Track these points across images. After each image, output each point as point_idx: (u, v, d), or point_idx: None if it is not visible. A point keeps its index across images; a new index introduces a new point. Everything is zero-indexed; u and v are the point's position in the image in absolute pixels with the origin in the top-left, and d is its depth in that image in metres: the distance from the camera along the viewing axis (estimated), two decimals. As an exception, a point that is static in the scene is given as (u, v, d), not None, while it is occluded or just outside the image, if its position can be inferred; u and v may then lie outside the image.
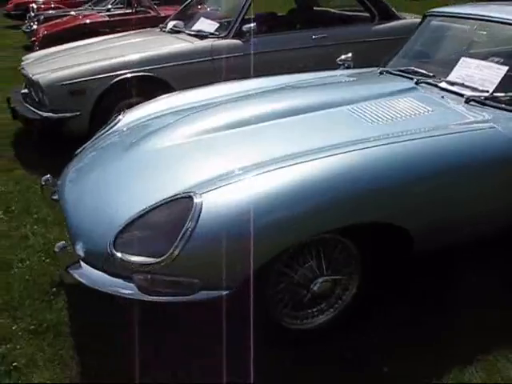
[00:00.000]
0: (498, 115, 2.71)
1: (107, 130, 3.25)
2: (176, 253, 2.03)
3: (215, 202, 2.11)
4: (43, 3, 13.82)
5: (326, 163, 2.26)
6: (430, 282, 2.84)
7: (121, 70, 4.71)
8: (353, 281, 2.47)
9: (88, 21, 9.07)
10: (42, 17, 11.34)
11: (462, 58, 3.12)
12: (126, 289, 2.15)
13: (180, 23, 5.67)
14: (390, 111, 2.78)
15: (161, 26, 5.92)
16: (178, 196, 2.16)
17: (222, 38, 5.17)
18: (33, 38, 9.52)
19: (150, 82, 4.75)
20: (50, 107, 4.62)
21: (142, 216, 2.17)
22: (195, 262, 2.06)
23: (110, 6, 10.80)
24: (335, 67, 3.83)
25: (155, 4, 9.65)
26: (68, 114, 4.59)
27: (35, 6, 13.35)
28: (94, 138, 3.25)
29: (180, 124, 2.92)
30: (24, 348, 2.49)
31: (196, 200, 2.09)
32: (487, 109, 2.80)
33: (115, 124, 3.27)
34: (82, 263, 2.28)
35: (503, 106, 2.79)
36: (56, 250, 2.32)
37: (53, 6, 13.71)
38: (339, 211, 2.19)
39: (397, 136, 2.48)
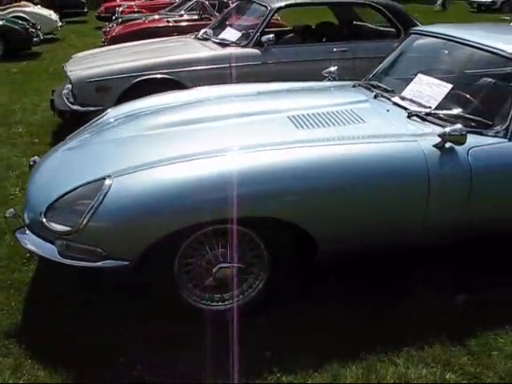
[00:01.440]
0: (429, 131, 2.80)
1: (95, 121, 3.66)
2: (84, 224, 2.38)
3: (123, 185, 2.44)
4: (128, 7, 14.93)
5: (230, 160, 2.51)
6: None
7: (143, 71, 5.17)
8: (260, 276, 2.67)
9: (151, 25, 9.74)
10: (120, 20, 12.28)
11: (418, 75, 3.23)
12: (50, 252, 2.52)
13: (210, 31, 6.06)
14: (328, 119, 2.96)
15: (196, 33, 6.34)
16: (96, 178, 2.50)
17: (242, 46, 5.50)
18: (103, 39, 10.36)
19: (169, 84, 5.15)
20: (79, 101, 5.16)
21: (67, 193, 2.53)
22: (99, 233, 2.40)
23: (182, 12, 11.54)
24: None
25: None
26: (93, 108, 5.06)
27: (120, 10, 14.50)
28: (84, 126, 3.67)
29: (140, 119, 3.28)
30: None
31: (106, 182, 2.44)
32: (425, 124, 2.90)
33: (103, 116, 3.67)
34: (26, 229, 2.68)
35: (440, 122, 2.88)
36: (6, 215, 2.74)
37: (136, 10, 14.78)
38: (236, 203, 2.42)
39: (317, 141, 2.68)
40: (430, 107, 2.98)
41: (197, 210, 2.40)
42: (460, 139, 2.63)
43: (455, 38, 3.33)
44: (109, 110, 3.74)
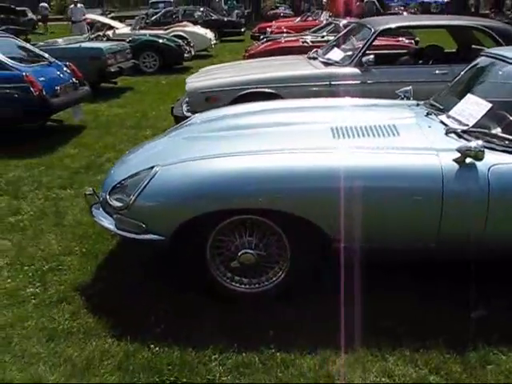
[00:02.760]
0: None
1: (186, 122, 4.24)
2: (132, 202, 2.91)
3: (167, 173, 2.94)
4: (277, 28, 15.89)
5: (255, 160, 2.89)
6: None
7: (248, 85, 5.71)
8: (283, 266, 2.99)
9: (286, 45, 10.36)
10: (265, 39, 13.16)
11: (468, 95, 3.29)
12: (111, 224, 3.10)
13: (320, 52, 6.43)
14: (366, 131, 3.18)
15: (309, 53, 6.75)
16: (150, 166, 3.03)
17: (343, 66, 5.78)
18: (243, 55, 11.26)
19: (272, 98, 5.61)
20: (191, 109, 5.85)
21: (129, 177, 3.09)
22: (142, 210, 2.92)
23: (324, 34, 12.04)
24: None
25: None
26: (202, 116, 5.74)
27: (269, 30, 15.50)
28: (176, 126, 4.27)
29: (213, 123, 3.77)
30: (73, 260, 3.63)
31: (154, 169, 2.94)
32: (460, 141, 2.98)
33: (190, 120, 4.25)
34: (99, 205, 3.31)
35: (475, 140, 2.95)
36: (86, 193, 3.39)
37: (285, 30, 15.64)
38: (256, 196, 2.79)
39: (342, 148, 2.94)
40: (468, 125, 3.05)
41: (222, 199, 2.81)
42: (478, 155, 2.70)
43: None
44: (196, 115, 4.31)
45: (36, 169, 5.64)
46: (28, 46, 7.27)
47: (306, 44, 10.59)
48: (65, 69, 7.06)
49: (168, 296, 3.15)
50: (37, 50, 7.22)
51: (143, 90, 10.58)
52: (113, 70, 9.53)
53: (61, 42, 9.54)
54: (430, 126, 3.22)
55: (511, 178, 2.75)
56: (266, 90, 5.66)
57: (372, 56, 5.59)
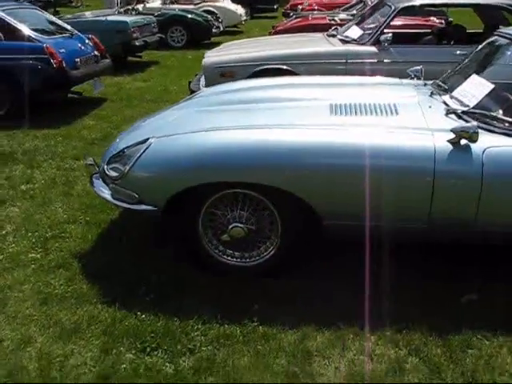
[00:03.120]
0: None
1: (193, 96, 4.25)
2: (126, 172, 2.96)
3: (160, 145, 2.97)
4: (308, 5, 15.62)
5: (246, 134, 2.89)
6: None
7: (263, 61, 5.66)
8: (275, 242, 3.00)
9: (312, 22, 10.20)
10: (294, 16, 12.98)
11: (473, 75, 3.20)
12: (108, 194, 3.16)
13: (340, 29, 6.32)
14: (365, 109, 3.14)
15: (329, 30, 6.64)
16: (145, 138, 3.06)
17: (361, 44, 5.67)
18: (269, 31, 11.15)
19: (287, 75, 5.57)
20: (207, 83, 5.84)
21: (126, 148, 3.13)
22: (135, 180, 2.96)
23: (354, 11, 11.80)
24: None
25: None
26: (217, 91, 5.74)
27: (300, 7, 15.27)
28: (185, 99, 4.29)
29: (214, 97, 3.77)
30: (76, 228, 3.73)
31: (148, 141, 2.98)
32: (460, 122, 2.91)
33: (197, 93, 4.26)
34: (99, 175, 3.37)
35: (474, 120, 2.88)
36: (87, 162, 3.45)
37: (316, 8, 15.38)
38: (245, 170, 2.80)
39: (338, 125, 2.92)
40: (469, 105, 2.98)
41: (211, 172, 2.83)
42: (472, 137, 2.63)
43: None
44: (204, 89, 4.31)
45: (53, 139, 5.76)
46: (52, 18, 7.35)
47: (333, 22, 10.40)
48: (87, 41, 7.14)
49: (162, 266, 3.20)
50: (60, 23, 7.30)
51: (168, 65, 10.61)
52: (138, 44, 9.57)
53: (88, 15, 9.64)
54: (430, 106, 3.15)
55: (507, 161, 2.68)
56: (282, 66, 5.62)
57: (390, 34, 5.47)
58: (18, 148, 5.49)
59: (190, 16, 12.97)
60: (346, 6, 13.57)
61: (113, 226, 3.80)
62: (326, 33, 6.61)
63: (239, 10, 16.15)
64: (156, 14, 12.66)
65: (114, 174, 3.07)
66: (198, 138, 2.97)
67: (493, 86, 2.94)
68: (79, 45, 6.84)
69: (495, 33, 3.68)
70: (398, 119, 2.98)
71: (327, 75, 4.86)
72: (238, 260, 3.09)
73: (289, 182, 2.76)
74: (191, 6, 15.40)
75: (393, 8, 5.62)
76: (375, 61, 5.53)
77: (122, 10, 12.52)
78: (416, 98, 3.30)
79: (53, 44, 6.31)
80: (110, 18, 9.70)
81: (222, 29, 13.69)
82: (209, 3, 15.78)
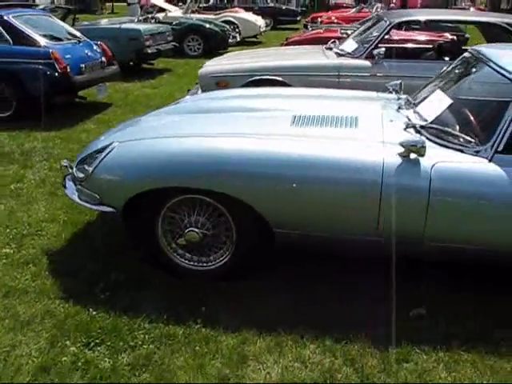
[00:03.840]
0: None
1: (176, 103, 4.37)
2: (89, 174, 3.07)
3: (122, 149, 3.08)
4: (327, 18, 15.74)
5: (201, 142, 2.99)
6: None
7: (257, 72, 5.75)
8: (229, 247, 3.06)
9: (324, 35, 10.25)
10: (310, 28, 13.09)
11: (437, 90, 3.23)
12: (74, 195, 3.28)
13: (337, 42, 6.37)
14: (326, 122, 3.20)
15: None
16: (111, 142, 3.17)
17: (355, 57, 5.72)
18: (282, 42, 11.27)
19: (280, 86, 5.65)
20: (202, 92, 5.95)
21: (94, 152, 3.25)
22: (96, 182, 3.07)
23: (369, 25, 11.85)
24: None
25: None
26: (212, 100, 5.85)
27: (319, 20, 15.40)
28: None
29: (192, 105, 3.89)
30: (53, 227, 3.86)
31: (112, 145, 3.09)
32: (416, 136, 2.94)
33: (180, 101, 4.37)
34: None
35: (430, 136, 2.91)
36: (62, 163, 3.57)
37: (335, 21, 15.48)
38: (198, 176, 2.88)
39: (294, 136, 2.98)
40: (427, 120, 3.01)
41: (165, 177, 2.92)
42: (420, 151, 2.67)
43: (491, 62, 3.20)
44: (188, 96, 4.43)
45: (52, 141, 5.94)
46: (62, 24, 7.59)
47: (345, 35, 10.47)
48: (95, 48, 7.35)
49: (125, 266, 3.29)
50: (69, 29, 7.54)
51: (181, 73, 10.80)
52: (150, 52, 9.79)
53: (104, 22, 9.90)
54: (392, 120, 3.19)
55: (455, 177, 2.70)
56: (275, 77, 5.69)
57: (383, 49, 5.50)
58: (17, 149, 5.68)
59: (207, 26, 13.19)
60: (364, 19, 13.66)
61: (89, 226, 3.92)
62: (325, 46, 6.68)
63: (259, 21, 16.34)
64: (174, 23, 12.91)
65: (80, 175, 3.19)
66: (154, 144, 3.07)
67: (451, 101, 2.97)
68: (86, 51, 7.04)
69: (469, 49, 3.69)
70: (355, 132, 3.04)
71: (319, 87, 4.92)
72: (196, 264, 3.16)
73: (238, 189, 2.83)
74: (212, 16, 15.66)
75: (388, 23, 5.66)
76: (368, 74, 5.57)
77: (141, 18, 12.77)
78: (380, 112, 3.34)
79: (59, 49, 6.52)
80: (123, 25, 9.95)
81: (238, 39, 13.88)
82: (229, 14, 16.03)
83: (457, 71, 3.50)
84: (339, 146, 2.86)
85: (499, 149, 2.70)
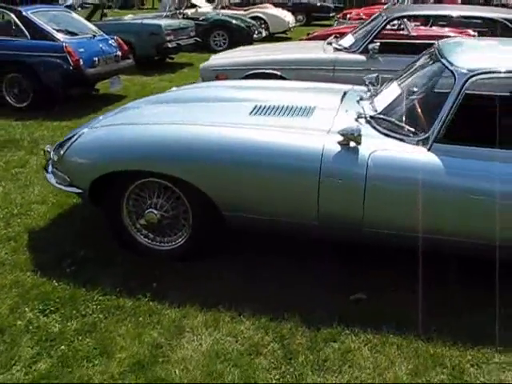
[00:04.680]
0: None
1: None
2: (60, 157, 3.32)
3: (89, 135, 3.32)
4: (356, 14, 15.68)
5: (159, 129, 3.21)
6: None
7: (255, 65, 5.91)
8: (187, 229, 3.25)
9: (340, 31, 10.28)
10: (336, 23, 13.14)
11: (394, 82, 3.32)
12: (52, 178, 3.53)
13: (338, 38, 6.46)
14: (284, 111, 3.35)
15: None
16: (83, 128, 3.41)
17: (349, 52, 5.80)
18: (299, 38, 11.38)
19: (276, 79, 5.79)
20: (204, 84, 6.18)
21: (70, 137, 3.49)
22: (67, 164, 3.32)
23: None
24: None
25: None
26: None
27: (348, 16, 15.39)
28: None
29: (169, 95, 4.09)
30: (41, 208, 4.14)
31: (82, 130, 3.33)
32: (365, 126, 3.05)
33: (170, 90, 4.60)
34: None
35: (377, 126, 3.02)
36: (45, 149, 3.83)
37: (363, 17, 15.42)
38: (153, 161, 3.08)
39: (249, 124, 3.15)
40: (377, 111, 3.11)
41: (123, 161, 3.14)
42: (356, 139, 2.78)
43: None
44: (174, 88, 4.64)
45: (60, 130, 6.27)
46: (80, 19, 7.94)
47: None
48: (110, 42, 7.66)
49: (96, 244, 3.54)
50: (87, 24, 7.88)
51: (201, 67, 11.04)
52: (170, 46, 10.07)
53: (127, 18, 10.24)
54: (347, 111, 3.30)
55: (391, 165, 2.80)
56: (271, 71, 5.83)
57: (378, 43, 5.56)
58: (27, 136, 6.03)
59: (232, 21, 13.39)
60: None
61: (74, 208, 4.18)
62: (326, 41, 6.77)
63: (288, 17, 16.45)
64: (201, 19, 13.18)
65: (55, 158, 3.44)
66: (117, 130, 3.31)
67: (400, 93, 3.06)
68: (100, 45, 7.36)
69: (434, 44, 3.75)
70: (306, 121, 3.17)
71: (314, 81, 5.03)
72: (157, 244, 3.36)
73: (189, 174, 3.02)
74: (241, 12, 15.87)
75: (384, 18, 5.71)
76: (361, 69, 5.62)
77: (169, 13, 13.08)
78: (339, 103, 3.45)
79: (72, 43, 6.85)
80: (145, 21, 10.29)
81: (264, 34, 14.03)
82: (258, 10, 16.19)
83: (417, 64, 3.56)
84: (284, 134, 3.00)
85: (438, 138, 2.79)
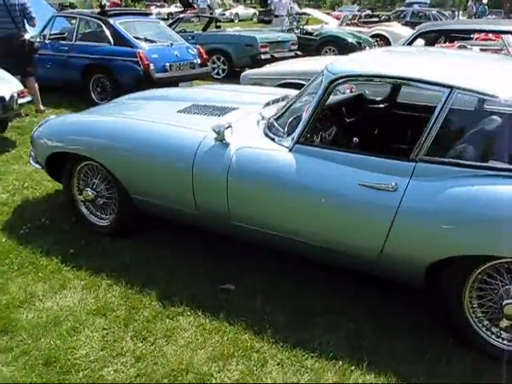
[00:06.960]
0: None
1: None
2: (31, 138, 4.01)
3: (52, 121, 3.97)
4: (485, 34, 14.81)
5: (96, 119, 3.76)
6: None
7: (286, 75, 6.18)
8: (113, 211, 3.74)
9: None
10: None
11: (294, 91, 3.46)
12: (32, 157, 4.23)
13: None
14: (207, 110, 3.67)
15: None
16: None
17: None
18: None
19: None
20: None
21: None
22: (33, 145, 3.99)
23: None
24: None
25: None
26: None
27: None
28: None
29: (148, 93, 4.62)
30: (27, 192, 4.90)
31: (51, 116, 3.99)
32: (259, 128, 3.27)
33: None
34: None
35: (266, 127, 3.22)
36: (32, 134, 4.54)
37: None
38: (83, 145, 3.62)
39: (163, 119, 3.53)
40: (276, 114, 3.29)
41: (63, 143, 3.73)
42: (219, 137, 3.03)
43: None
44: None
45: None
46: (165, 29, 8.89)
47: (462, 47, 9.99)
48: (189, 50, 8.43)
49: (57, 214, 4.14)
50: (171, 33, 8.78)
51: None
52: (263, 57, 10.59)
53: (229, 30, 11.07)
54: (261, 113, 3.46)
55: (250, 161, 2.98)
56: (299, 81, 6.03)
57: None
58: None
59: (343, 37, 13.48)
60: None
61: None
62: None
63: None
64: (314, 34, 13.56)
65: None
66: (72, 118, 3.91)
67: (290, 101, 3.22)
68: (175, 52, 8.14)
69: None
70: (212, 120, 3.42)
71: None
72: (98, 219, 3.87)
73: (106, 160, 3.50)
74: (364, 30, 15.93)
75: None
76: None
77: (285, 29, 13.65)
78: (260, 106, 3.66)
79: (146, 50, 7.71)
80: (242, 33, 10.99)
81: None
82: (381, 27, 16.12)
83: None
84: (172, 128, 3.35)
85: (300, 140, 2.90)
